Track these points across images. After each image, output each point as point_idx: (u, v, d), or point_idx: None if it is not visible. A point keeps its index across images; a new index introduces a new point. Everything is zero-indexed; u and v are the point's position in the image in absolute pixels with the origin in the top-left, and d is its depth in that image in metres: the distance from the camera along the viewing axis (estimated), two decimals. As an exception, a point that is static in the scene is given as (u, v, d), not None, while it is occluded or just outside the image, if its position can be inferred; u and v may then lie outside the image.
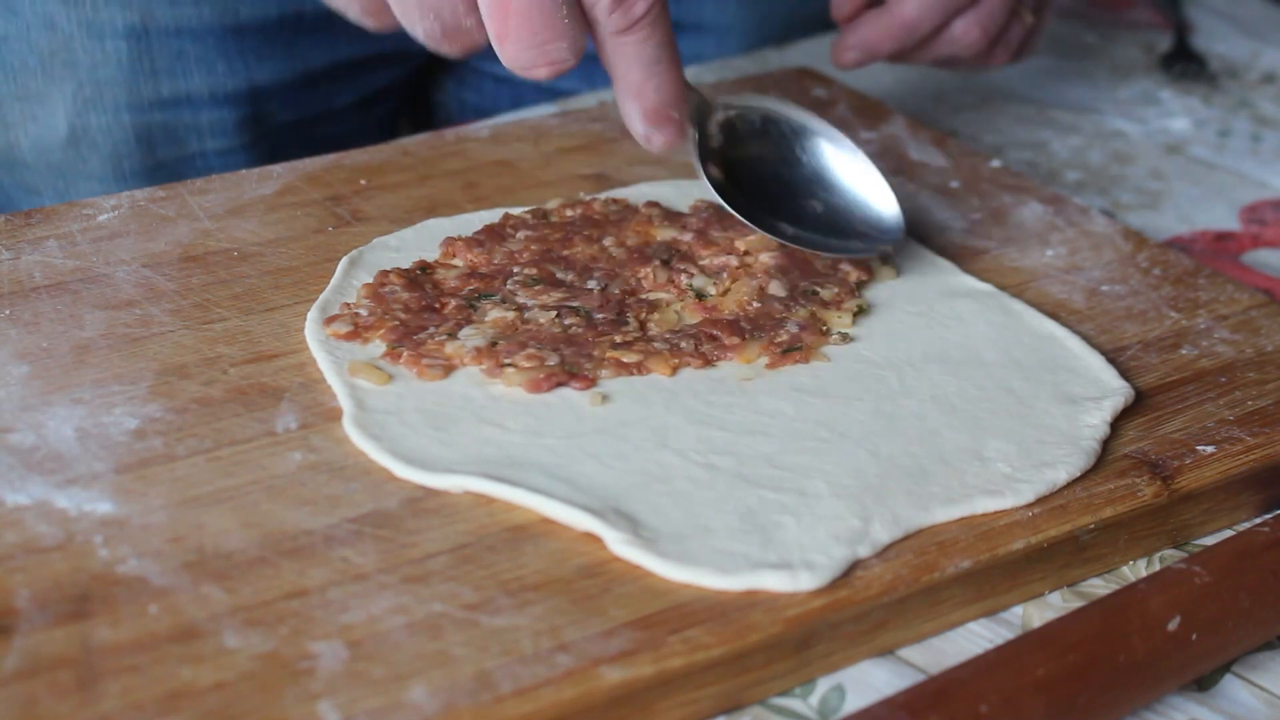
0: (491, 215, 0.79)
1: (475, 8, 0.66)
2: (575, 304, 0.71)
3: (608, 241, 0.76)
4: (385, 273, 0.72)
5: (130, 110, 0.97)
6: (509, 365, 0.66)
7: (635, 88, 0.69)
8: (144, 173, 0.98)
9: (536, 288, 0.72)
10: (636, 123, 0.70)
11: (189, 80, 0.98)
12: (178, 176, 0.97)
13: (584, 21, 0.67)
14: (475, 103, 1.13)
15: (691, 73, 1.06)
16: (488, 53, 0.68)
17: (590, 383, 0.67)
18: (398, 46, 1.03)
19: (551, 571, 0.57)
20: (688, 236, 0.77)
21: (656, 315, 0.71)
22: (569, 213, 0.79)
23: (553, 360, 0.67)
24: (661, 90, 0.69)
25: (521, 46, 0.65)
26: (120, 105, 0.97)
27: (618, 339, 0.69)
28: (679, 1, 1.09)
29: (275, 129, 1.03)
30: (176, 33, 0.96)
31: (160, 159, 0.99)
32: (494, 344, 0.68)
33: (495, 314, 0.70)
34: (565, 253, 0.75)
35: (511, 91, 1.10)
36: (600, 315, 0.70)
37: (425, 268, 0.73)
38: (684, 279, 0.73)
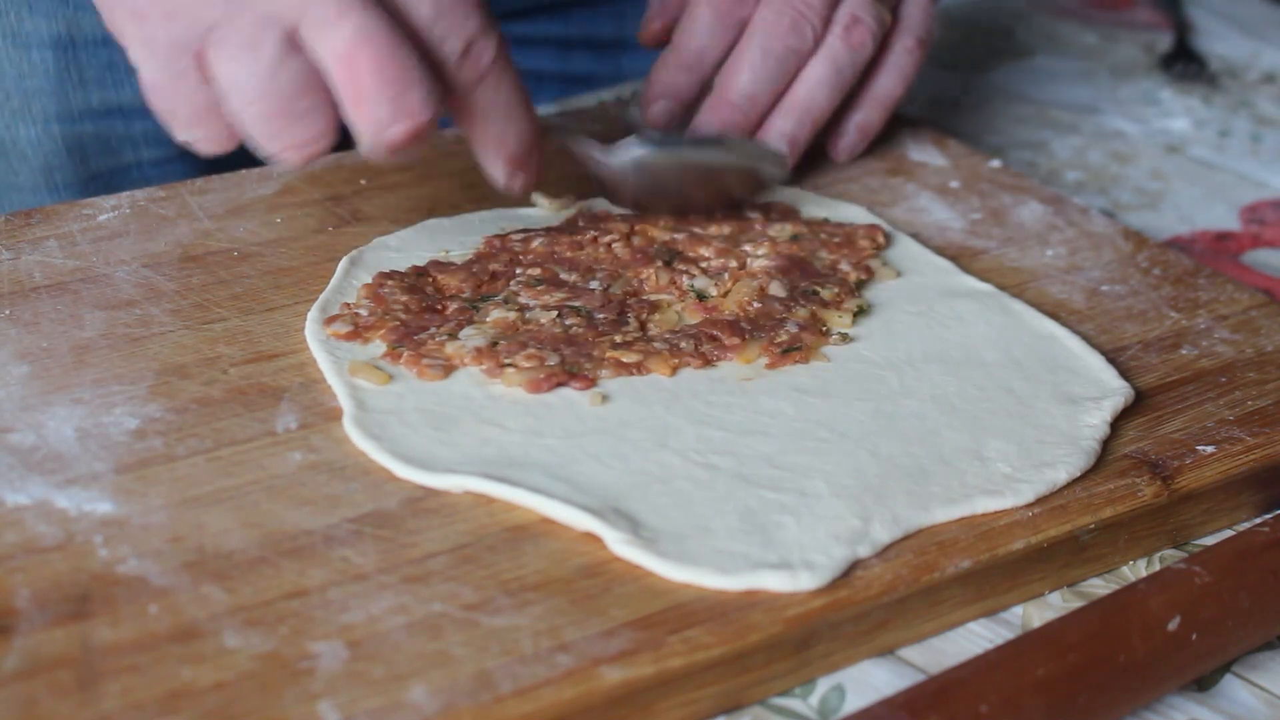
0: (491, 215, 0.79)
1: (314, 86, 0.63)
2: (576, 304, 0.71)
3: (614, 243, 0.76)
4: (384, 274, 0.72)
5: (60, 121, 0.95)
6: (509, 365, 0.66)
7: (495, 138, 0.69)
8: (78, 184, 0.97)
9: (539, 288, 0.72)
10: (498, 171, 0.71)
11: (119, 90, 0.96)
12: (113, 187, 0.95)
13: (436, 75, 0.65)
14: None
15: (691, 73, 1.06)
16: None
17: (590, 383, 0.67)
18: None
19: (551, 571, 0.57)
20: (682, 236, 0.77)
21: (657, 315, 0.71)
22: (567, 212, 0.79)
23: (553, 360, 0.67)
24: (521, 136, 0.70)
25: (377, 103, 0.63)
26: (49, 116, 0.95)
27: (618, 339, 0.69)
28: (621, 18, 1.08)
29: None
30: (104, 42, 0.94)
31: (94, 170, 0.97)
32: (494, 344, 0.68)
33: (496, 314, 0.70)
34: (570, 254, 0.75)
35: None
36: (601, 315, 0.70)
37: (424, 272, 0.73)
38: (685, 280, 0.73)
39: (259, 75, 0.62)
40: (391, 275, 0.72)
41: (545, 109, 0.98)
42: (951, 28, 1.20)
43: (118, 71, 0.95)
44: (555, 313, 0.70)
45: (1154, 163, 1.01)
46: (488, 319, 0.69)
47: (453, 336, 0.68)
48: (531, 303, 0.71)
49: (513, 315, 0.69)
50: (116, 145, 0.97)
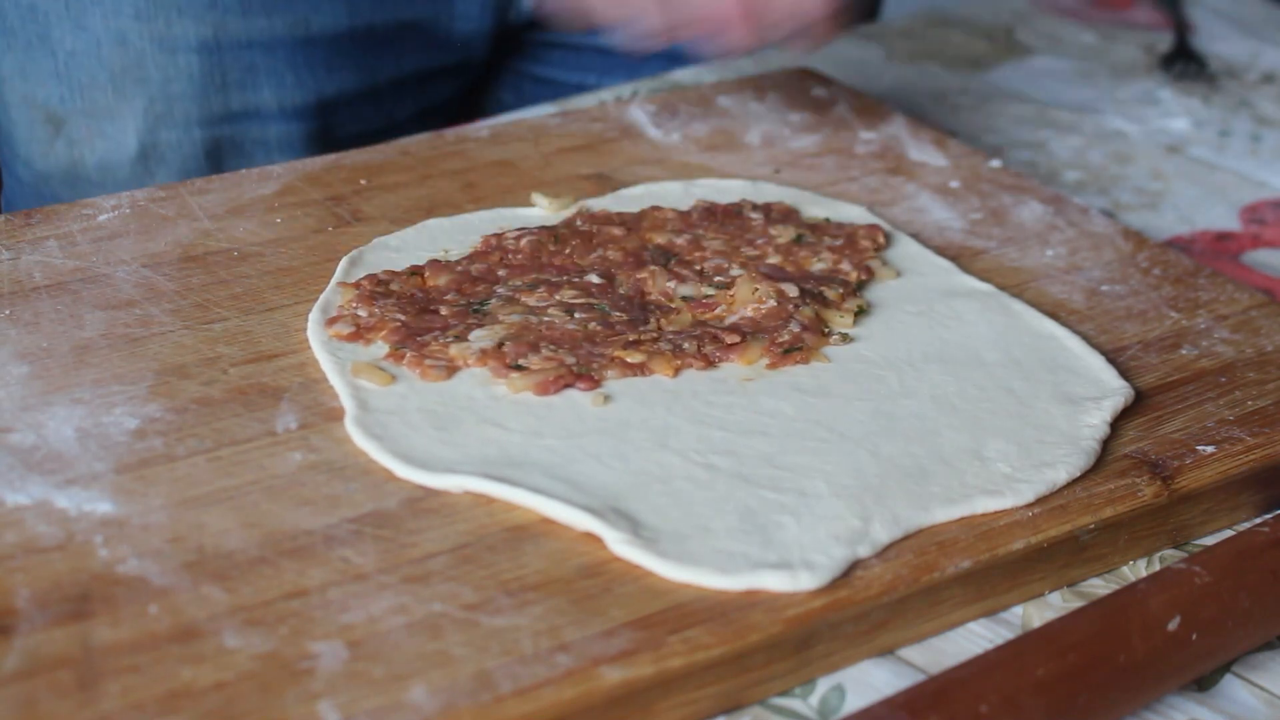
0: (491, 215, 0.79)
1: None
2: (593, 301, 0.70)
3: (609, 244, 0.76)
4: (372, 277, 0.72)
5: (200, 125, 0.97)
6: (519, 367, 0.66)
7: None
8: None
9: (539, 291, 0.71)
10: None
11: (258, 93, 0.97)
12: None
13: None
14: (513, 103, 1.12)
15: (691, 73, 1.06)
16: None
17: (595, 384, 0.66)
18: (462, 58, 1.03)
19: (551, 571, 0.57)
20: (682, 239, 0.77)
21: (673, 316, 0.71)
22: (566, 213, 0.79)
23: (570, 360, 0.67)
24: None
25: None
26: (191, 120, 0.96)
27: (632, 338, 0.69)
28: None
29: (339, 142, 1.02)
30: (248, 45, 0.96)
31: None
32: (500, 345, 0.67)
33: (512, 316, 0.69)
34: (557, 261, 0.75)
35: (553, 91, 1.09)
36: (617, 314, 0.70)
37: (417, 271, 0.73)
38: (680, 287, 0.73)
39: None
40: (368, 278, 0.72)
41: (545, 110, 0.98)
42: (951, 28, 1.20)
43: (257, 74, 0.96)
44: (569, 311, 0.69)
45: (1154, 163, 1.01)
46: (500, 320, 0.69)
47: (460, 338, 0.68)
48: (541, 303, 0.70)
49: (526, 317, 0.69)
50: (250, 149, 0.99)
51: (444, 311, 0.70)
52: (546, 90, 1.09)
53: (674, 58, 1.06)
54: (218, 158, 0.98)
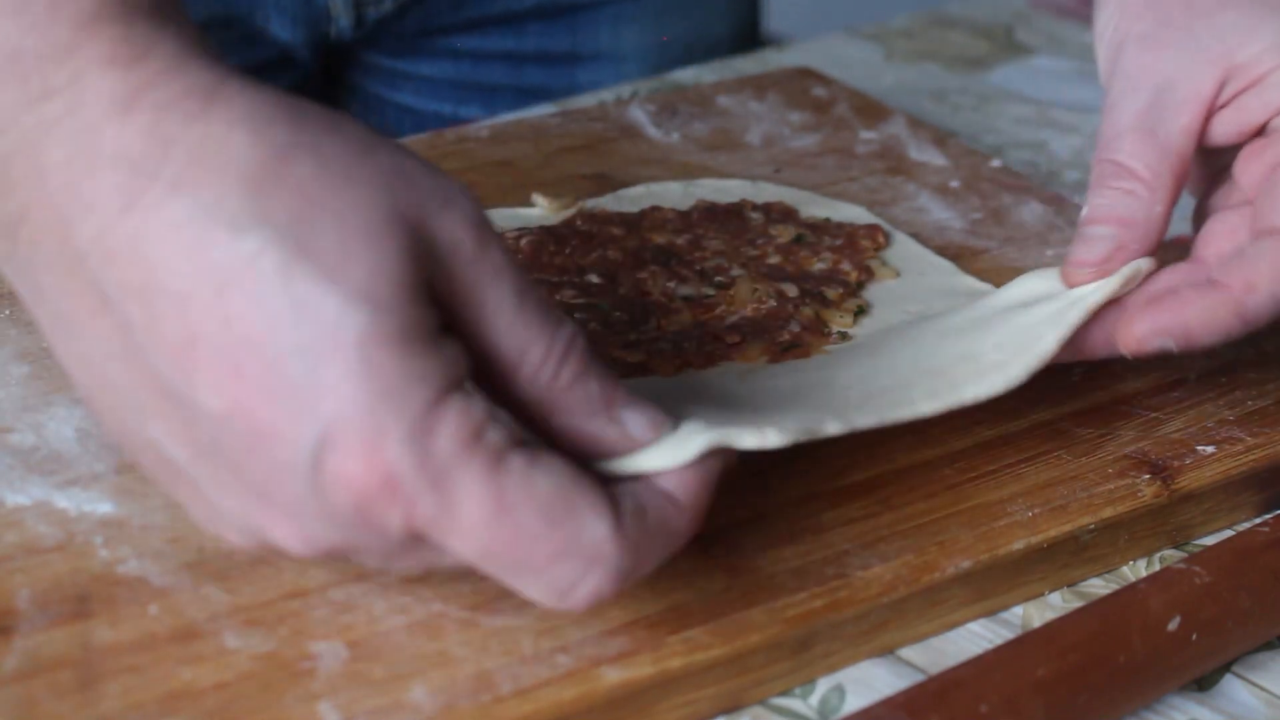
0: (491, 214, 0.79)
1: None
2: (593, 301, 0.71)
3: (609, 245, 0.76)
4: None
5: None
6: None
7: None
8: None
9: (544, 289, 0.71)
10: None
11: None
12: None
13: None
14: (379, 128, 1.11)
15: (691, 73, 1.06)
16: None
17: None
18: (281, 54, 1.01)
19: (551, 572, 0.57)
20: (682, 239, 0.77)
21: (673, 316, 0.71)
22: (566, 213, 0.79)
23: None
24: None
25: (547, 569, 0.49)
26: None
27: (632, 337, 0.69)
28: (574, 31, 1.07)
29: None
30: None
31: None
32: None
33: None
34: (557, 261, 0.74)
35: (414, 120, 1.08)
36: (617, 314, 0.70)
37: None
38: (680, 287, 0.73)
39: None
40: None
41: (545, 109, 0.98)
42: (951, 28, 1.20)
43: None
44: (569, 311, 0.69)
45: (1154, 162, 1.00)
46: None
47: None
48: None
49: None
50: None
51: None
52: (408, 118, 1.08)
53: (525, 93, 1.06)
54: None
